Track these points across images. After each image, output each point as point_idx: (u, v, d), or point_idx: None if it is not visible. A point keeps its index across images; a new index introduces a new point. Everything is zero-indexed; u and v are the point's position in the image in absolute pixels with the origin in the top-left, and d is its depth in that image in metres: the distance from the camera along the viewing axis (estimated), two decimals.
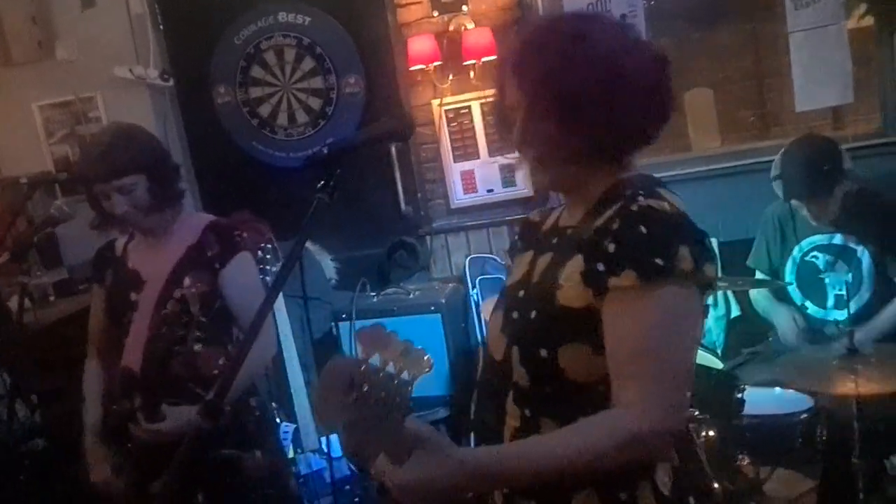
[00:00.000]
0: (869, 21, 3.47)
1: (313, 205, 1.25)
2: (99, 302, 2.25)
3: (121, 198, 2.04)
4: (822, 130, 3.65)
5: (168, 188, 2.13)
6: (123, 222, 2.12)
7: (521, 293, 1.27)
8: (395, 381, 1.04)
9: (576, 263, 1.17)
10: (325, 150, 1.29)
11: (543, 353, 1.18)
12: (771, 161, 2.91)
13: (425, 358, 1.07)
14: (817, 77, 3.47)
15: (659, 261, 1.09)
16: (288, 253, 1.28)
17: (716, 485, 1.30)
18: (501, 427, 1.27)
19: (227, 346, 2.20)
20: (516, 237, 1.47)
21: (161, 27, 3.95)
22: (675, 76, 1.25)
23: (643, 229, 1.11)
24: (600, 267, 1.13)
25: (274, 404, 3.22)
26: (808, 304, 2.90)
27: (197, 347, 2.07)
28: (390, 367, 1.05)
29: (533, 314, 1.21)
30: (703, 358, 2.59)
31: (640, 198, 1.15)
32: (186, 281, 2.07)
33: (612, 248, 1.12)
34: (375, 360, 1.07)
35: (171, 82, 3.96)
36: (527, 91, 1.21)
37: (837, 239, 2.81)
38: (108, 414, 2.17)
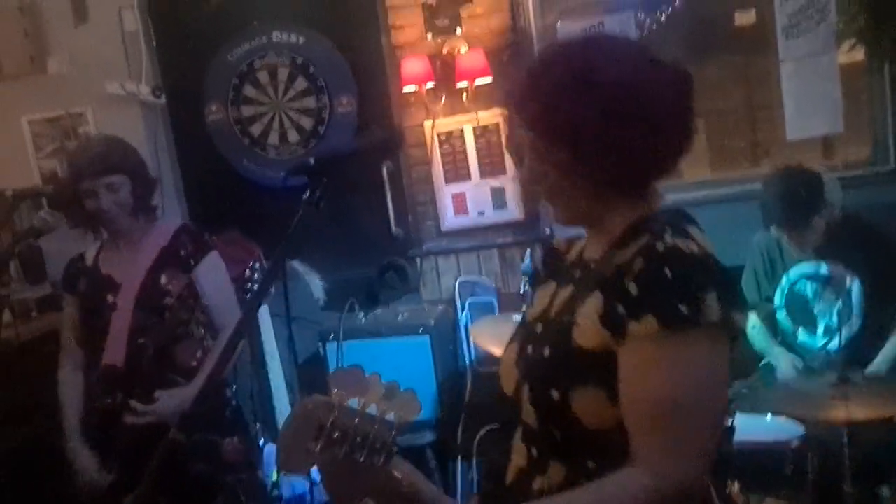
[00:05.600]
0: (858, 55, 3.50)
1: (298, 214, 1.23)
2: (72, 309, 2.35)
3: (108, 195, 2.19)
4: (812, 160, 3.67)
5: (147, 196, 2.30)
6: (105, 220, 2.24)
7: (539, 327, 1.20)
8: (377, 425, 0.99)
9: (595, 301, 1.09)
10: (312, 160, 1.27)
11: (555, 394, 1.10)
12: (761, 188, 2.91)
13: (414, 401, 1.03)
14: (808, 106, 3.50)
15: (683, 308, 1.01)
16: (271, 264, 1.26)
17: None
18: (507, 463, 1.22)
19: (204, 341, 2.33)
20: (541, 264, 1.38)
21: (154, 44, 3.95)
22: None
23: (668, 272, 1.03)
24: (620, 309, 1.05)
25: (258, 424, 3.17)
26: (799, 331, 2.88)
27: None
28: (371, 410, 1.00)
29: (546, 351, 1.14)
30: None
31: (667, 236, 1.07)
32: (163, 279, 2.22)
33: (633, 289, 1.04)
34: (354, 402, 1.02)
35: (163, 99, 3.94)
36: (526, 127, 1.15)
37: (824, 269, 2.80)
38: (92, 413, 2.25)
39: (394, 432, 1.00)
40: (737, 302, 1.07)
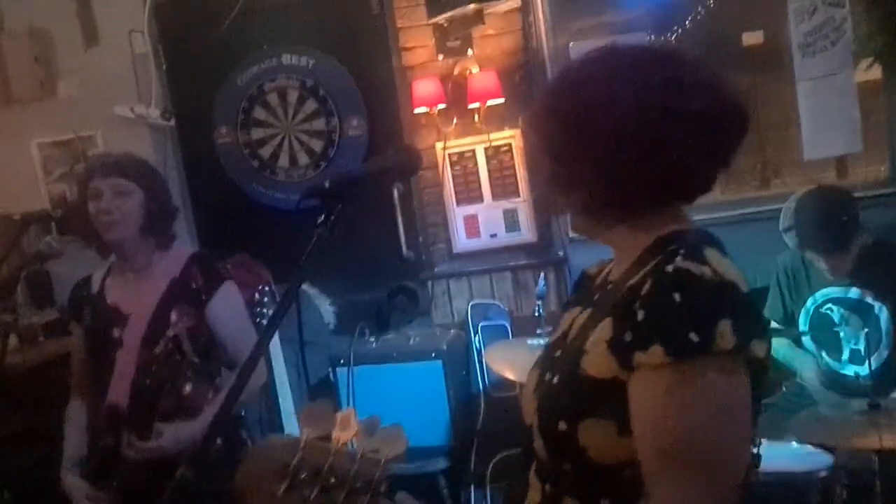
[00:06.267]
0: (874, 74, 3.46)
1: (313, 240, 1.18)
2: (79, 343, 2.21)
3: (113, 198, 2.05)
4: (826, 181, 3.62)
5: (161, 219, 2.14)
6: (106, 226, 2.07)
7: (558, 353, 1.15)
8: (357, 463, 0.91)
9: (605, 327, 1.03)
10: (327, 184, 1.23)
11: (562, 425, 1.04)
12: (771, 210, 2.86)
13: (399, 435, 0.96)
14: (826, 125, 3.46)
15: (693, 336, 0.93)
16: (286, 289, 1.21)
17: None
18: (524, 496, 1.15)
19: (215, 379, 2.18)
20: (573, 290, 1.33)
21: (164, 67, 3.94)
22: None
23: (677, 297, 0.96)
24: (627, 337, 0.98)
25: None
26: (823, 355, 2.82)
27: (187, 389, 2.02)
28: (353, 447, 0.94)
29: (556, 379, 1.09)
30: None
31: (679, 258, 1.00)
32: (173, 315, 2.05)
33: (640, 315, 0.97)
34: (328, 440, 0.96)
35: (173, 122, 3.92)
36: (533, 140, 1.15)
37: (853, 293, 2.74)
38: (93, 451, 2.12)
39: (379, 470, 0.93)
40: (758, 331, 0.99)
